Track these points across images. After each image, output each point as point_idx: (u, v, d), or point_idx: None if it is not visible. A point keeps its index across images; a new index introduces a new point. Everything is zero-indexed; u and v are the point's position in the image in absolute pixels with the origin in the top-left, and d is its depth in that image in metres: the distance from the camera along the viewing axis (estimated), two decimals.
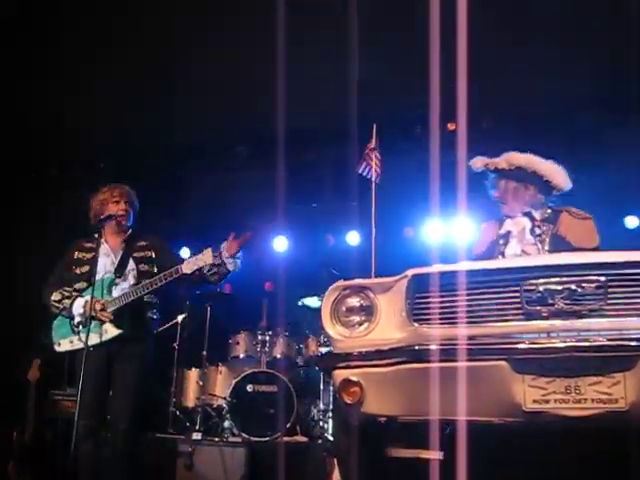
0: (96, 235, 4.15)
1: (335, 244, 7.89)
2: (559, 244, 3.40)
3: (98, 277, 4.12)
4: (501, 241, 3.58)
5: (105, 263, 4.21)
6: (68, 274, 4.24)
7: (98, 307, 3.99)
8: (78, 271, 4.20)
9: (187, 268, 4.00)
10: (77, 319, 4.09)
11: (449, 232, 6.96)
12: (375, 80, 5.92)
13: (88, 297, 4.01)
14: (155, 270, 4.18)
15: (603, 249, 3.23)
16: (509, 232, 3.58)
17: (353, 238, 7.71)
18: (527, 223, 3.55)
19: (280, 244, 7.79)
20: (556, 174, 3.63)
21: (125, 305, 4.06)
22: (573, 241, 3.43)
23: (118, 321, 4.05)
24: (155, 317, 4.27)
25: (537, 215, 3.58)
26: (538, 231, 3.51)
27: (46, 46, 5.74)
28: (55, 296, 4.17)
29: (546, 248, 3.45)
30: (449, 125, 6.41)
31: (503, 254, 3.52)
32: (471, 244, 3.89)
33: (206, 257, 3.99)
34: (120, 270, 4.20)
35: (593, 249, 3.32)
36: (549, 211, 3.62)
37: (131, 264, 4.23)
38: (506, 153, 3.68)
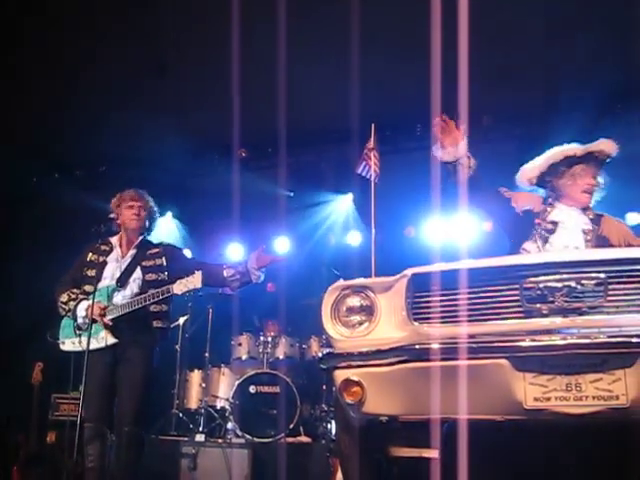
0: (109, 239, 4.25)
1: (336, 244, 7.90)
2: (603, 245, 3.38)
3: (104, 283, 4.14)
4: (549, 226, 3.49)
5: (113, 269, 4.21)
6: (80, 275, 4.25)
7: (97, 311, 4.01)
8: (88, 273, 4.21)
9: (177, 289, 4.05)
10: (80, 321, 4.12)
11: (450, 231, 6.96)
12: (375, 79, 5.92)
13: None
14: (166, 278, 4.19)
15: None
16: (558, 222, 3.50)
17: (354, 238, 7.72)
18: (580, 219, 3.51)
19: (281, 245, 7.80)
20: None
21: (124, 314, 4.07)
22: (616, 242, 3.41)
23: (116, 330, 4.07)
24: (163, 326, 4.22)
25: (589, 214, 3.54)
26: (586, 228, 3.46)
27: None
28: (63, 297, 4.20)
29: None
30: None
31: (546, 241, 3.45)
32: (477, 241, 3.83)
33: (196, 280, 4.03)
34: (122, 279, 4.19)
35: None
36: (594, 212, 3.59)
37: (137, 273, 4.21)
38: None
